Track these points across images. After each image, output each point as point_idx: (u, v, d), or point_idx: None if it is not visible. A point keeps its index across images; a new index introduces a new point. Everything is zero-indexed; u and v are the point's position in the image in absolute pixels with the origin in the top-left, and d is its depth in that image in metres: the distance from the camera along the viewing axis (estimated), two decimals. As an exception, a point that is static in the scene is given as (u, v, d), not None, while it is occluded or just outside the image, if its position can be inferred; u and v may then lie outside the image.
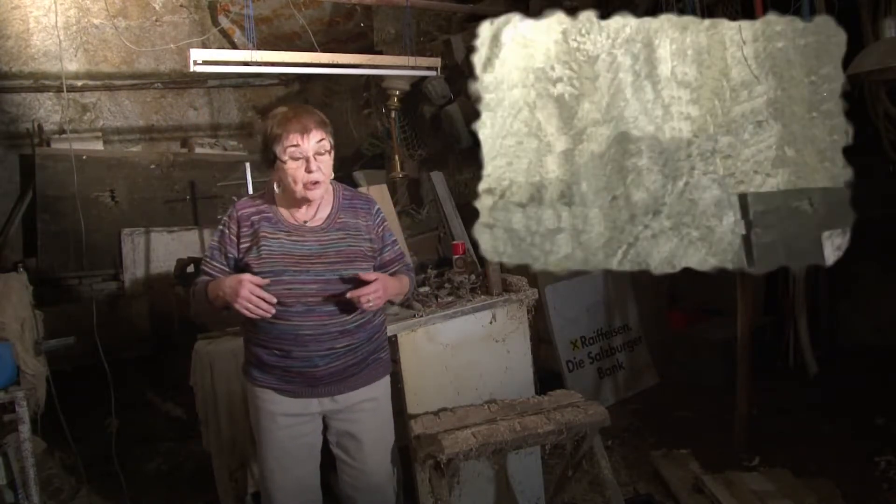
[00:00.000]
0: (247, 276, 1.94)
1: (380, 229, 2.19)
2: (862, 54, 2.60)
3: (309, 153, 1.97)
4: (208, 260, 2.13)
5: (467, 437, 2.21)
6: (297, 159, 1.97)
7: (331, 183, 2.13)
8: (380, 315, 2.25)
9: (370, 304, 1.99)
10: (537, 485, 2.90)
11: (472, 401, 2.61)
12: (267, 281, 1.96)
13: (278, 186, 2.07)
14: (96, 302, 4.20)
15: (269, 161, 2.04)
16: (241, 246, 2.07)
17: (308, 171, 1.98)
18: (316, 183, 2.00)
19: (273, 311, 1.94)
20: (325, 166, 2.01)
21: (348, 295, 1.98)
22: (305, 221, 2.09)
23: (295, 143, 1.96)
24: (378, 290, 1.99)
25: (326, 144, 2.01)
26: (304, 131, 1.96)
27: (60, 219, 5.60)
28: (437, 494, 2.24)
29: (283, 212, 2.09)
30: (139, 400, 4.74)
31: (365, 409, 2.18)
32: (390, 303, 2.32)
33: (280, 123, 1.98)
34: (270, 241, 2.05)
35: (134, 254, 5.72)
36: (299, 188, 2.00)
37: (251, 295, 1.91)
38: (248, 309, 1.91)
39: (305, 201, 2.05)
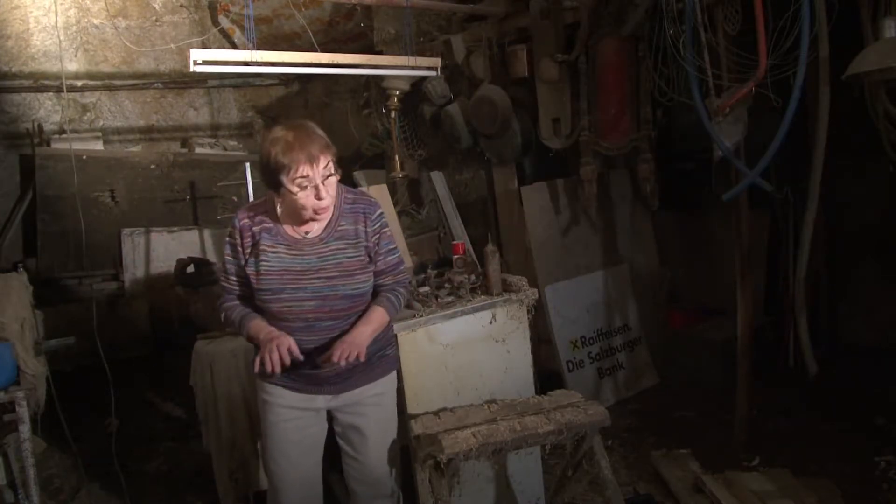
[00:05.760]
0: (288, 341, 1.94)
1: (376, 237, 2.11)
2: (862, 54, 2.59)
3: (318, 181, 1.92)
4: (227, 276, 2.13)
5: (467, 437, 2.21)
6: (306, 188, 1.92)
7: None
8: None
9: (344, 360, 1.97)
10: (537, 485, 2.90)
11: (472, 401, 2.61)
12: (298, 355, 1.96)
13: (280, 206, 2.03)
14: (96, 302, 4.21)
15: (272, 186, 1.96)
16: (245, 254, 2.07)
17: (318, 198, 1.93)
18: (325, 207, 1.98)
19: (279, 370, 1.93)
20: (332, 188, 1.98)
21: (321, 359, 2.00)
22: (307, 233, 2.06)
23: (304, 174, 1.89)
24: (346, 351, 1.96)
25: (332, 167, 1.95)
26: (312, 160, 1.89)
27: (60, 219, 5.59)
28: (437, 494, 2.24)
29: (285, 224, 2.07)
30: (139, 400, 4.74)
31: (370, 404, 2.21)
32: None
33: (285, 152, 1.88)
34: (270, 255, 2.03)
35: (134, 254, 5.72)
36: (308, 213, 1.97)
37: (277, 354, 1.91)
38: (265, 361, 1.92)
39: (313, 221, 2.03)
